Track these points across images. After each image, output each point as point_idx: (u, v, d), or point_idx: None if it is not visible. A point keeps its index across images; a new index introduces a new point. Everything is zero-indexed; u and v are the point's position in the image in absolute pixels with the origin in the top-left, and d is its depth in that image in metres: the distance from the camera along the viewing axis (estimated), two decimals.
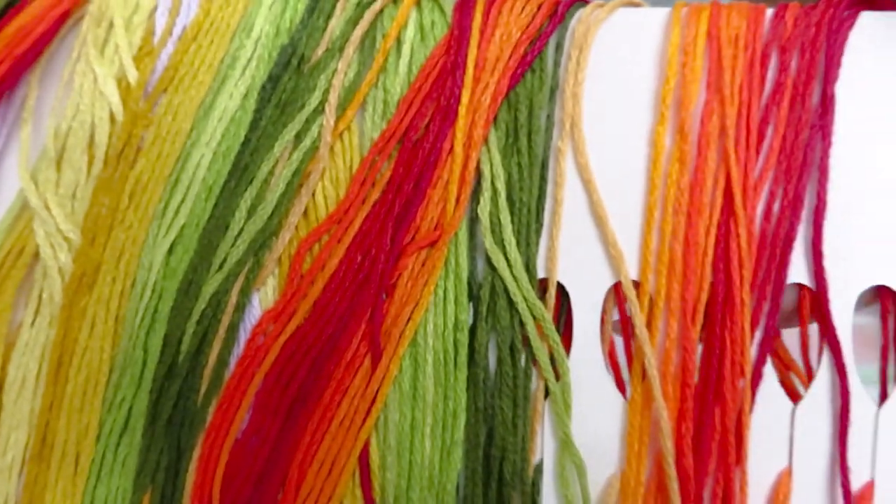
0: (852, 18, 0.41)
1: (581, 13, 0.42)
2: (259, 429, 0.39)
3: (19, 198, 0.41)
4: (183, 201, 0.40)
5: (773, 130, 0.40)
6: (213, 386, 0.39)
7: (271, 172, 0.41)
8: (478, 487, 0.39)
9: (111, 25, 0.41)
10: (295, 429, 0.39)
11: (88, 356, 0.39)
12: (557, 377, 0.39)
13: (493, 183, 0.41)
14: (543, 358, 0.39)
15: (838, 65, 0.40)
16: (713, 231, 0.39)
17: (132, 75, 0.40)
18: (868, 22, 0.41)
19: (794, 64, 0.40)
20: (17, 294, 0.40)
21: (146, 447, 0.39)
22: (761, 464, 0.39)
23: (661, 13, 0.41)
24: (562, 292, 0.41)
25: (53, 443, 0.39)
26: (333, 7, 0.42)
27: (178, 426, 0.39)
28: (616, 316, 0.42)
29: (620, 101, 0.41)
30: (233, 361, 0.40)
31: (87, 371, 0.39)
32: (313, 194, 0.41)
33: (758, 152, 0.40)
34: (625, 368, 0.41)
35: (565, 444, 0.39)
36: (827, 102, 0.40)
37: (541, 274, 0.41)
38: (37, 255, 0.40)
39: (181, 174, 0.40)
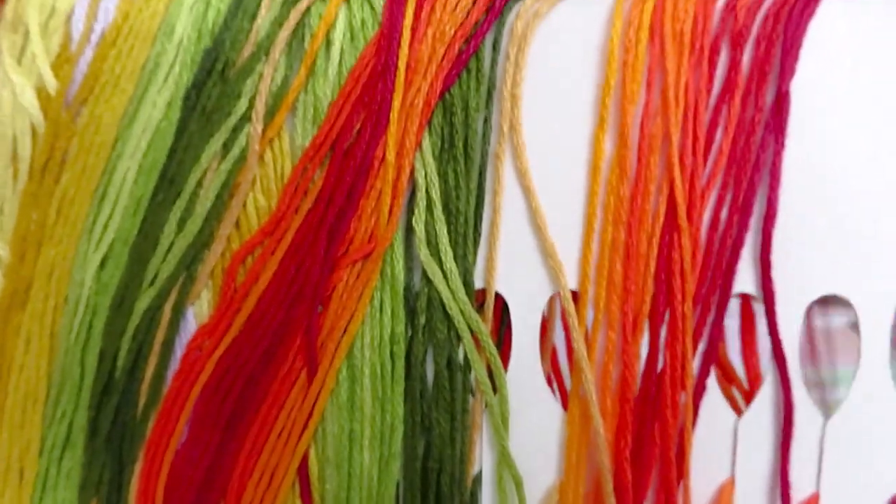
0: (813, 6, 0.38)
1: (519, 7, 0.39)
2: (198, 441, 0.39)
3: None
4: (111, 216, 0.39)
5: (722, 133, 0.38)
6: (152, 400, 0.39)
7: (199, 184, 0.39)
8: (416, 499, 0.39)
9: (27, 31, 0.39)
10: (234, 441, 0.39)
11: (26, 372, 0.39)
12: (495, 390, 0.39)
13: (427, 192, 0.39)
14: (481, 372, 0.39)
15: (795, 59, 0.38)
16: (655, 242, 0.38)
17: (51, 84, 0.38)
18: (830, 10, 0.38)
19: (746, 59, 0.38)
20: None
21: (88, 461, 0.39)
22: (705, 477, 0.39)
23: (605, 6, 0.38)
24: (503, 302, 0.40)
25: None
26: (258, 6, 0.39)
27: (119, 440, 0.39)
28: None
29: (562, 102, 0.39)
30: (169, 376, 0.40)
31: (25, 387, 0.39)
32: (244, 205, 0.39)
33: (706, 157, 0.38)
34: (568, 377, 0.40)
35: (503, 456, 0.39)
36: (781, 101, 0.38)
37: (479, 284, 0.39)
38: None
39: (108, 187, 0.39)
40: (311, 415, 0.39)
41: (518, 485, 0.38)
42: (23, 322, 0.39)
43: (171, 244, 0.39)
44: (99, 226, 0.39)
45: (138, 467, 0.39)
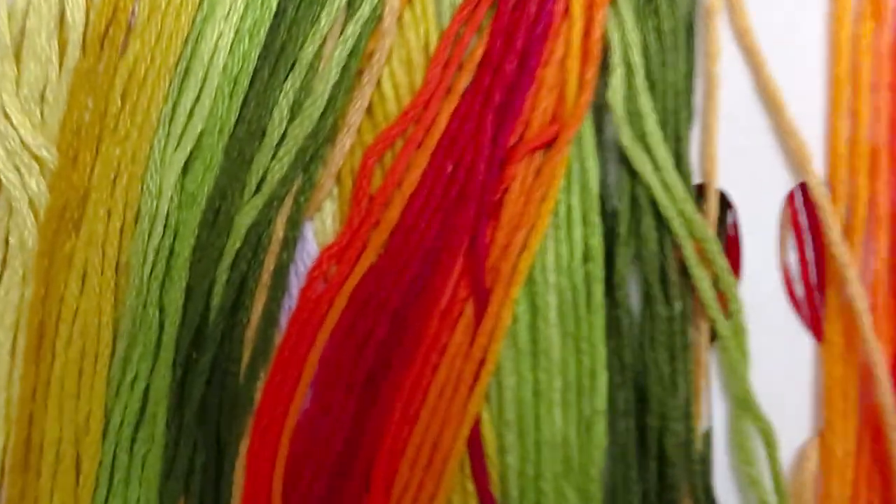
0: None
1: None
2: (327, 409, 0.28)
3: None
4: (198, 99, 0.29)
5: None
6: (260, 354, 0.29)
7: (318, 54, 0.29)
8: (632, 470, 0.28)
9: None
10: (377, 405, 0.29)
11: (81, 322, 0.28)
12: (726, 315, 0.29)
13: (625, 56, 0.29)
14: (707, 291, 0.29)
15: None
16: None
17: None
18: None
19: None
20: None
21: (173, 442, 0.28)
22: None
23: None
24: (721, 203, 0.30)
25: (42, 444, 0.28)
26: None
27: (216, 411, 0.28)
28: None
29: None
30: (284, 319, 0.29)
31: (81, 342, 0.28)
32: (378, 83, 0.29)
33: None
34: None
35: (744, 403, 0.29)
36: None
37: (694, 178, 0.30)
38: None
39: (192, 61, 0.29)
40: (481, 364, 0.28)
41: (770, 441, 0.28)
42: (76, 250, 0.28)
43: (283, 136, 0.29)
44: (181, 113, 0.29)
45: (244, 448, 0.28)
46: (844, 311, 0.29)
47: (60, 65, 0.29)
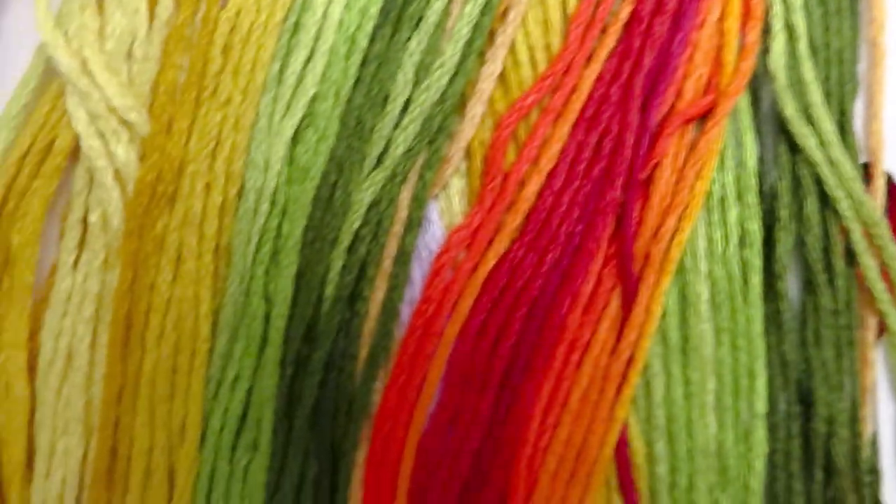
0: None
1: None
2: (457, 414, 0.25)
3: (38, 61, 0.25)
4: (310, 59, 0.25)
5: None
6: (380, 351, 0.25)
7: (446, 11, 0.26)
8: (796, 481, 0.25)
9: None
10: (513, 411, 0.25)
11: (176, 312, 0.24)
12: None
13: (788, 19, 0.26)
14: (877, 281, 0.26)
15: None
16: None
17: None
18: None
19: None
20: (47, 218, 0.25)
21: (281, 451, 0.24)
22: None
23: None
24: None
25: (130, 454, 0.24)
26: None
27: (330, 416, 0.24)
28: None
29: None
30: (407, 311, 0.25)
31: (175, 336, 0.24)
32: (512, 46, 0.26)
33: None
34: None
35: None
36: None
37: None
38: (75, 152, 0.25)
39: (303, 15, 0.25)
40: (629, 363, 0.25)
41: None
42: (169, 228, 0.24)
43: (407, 103, 0.25)
44: (291, 75, 0.25)
45: (362, 457, 0.25)
46: None
47: (151, 16, 0.25)
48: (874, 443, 0.27)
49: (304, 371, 0.25)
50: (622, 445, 0.26)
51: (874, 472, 0.27)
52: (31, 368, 0.25)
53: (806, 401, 0.26)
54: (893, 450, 0.27)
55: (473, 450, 0.25)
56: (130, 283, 0.24)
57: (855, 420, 0.26)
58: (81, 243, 0.25)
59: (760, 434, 0.26)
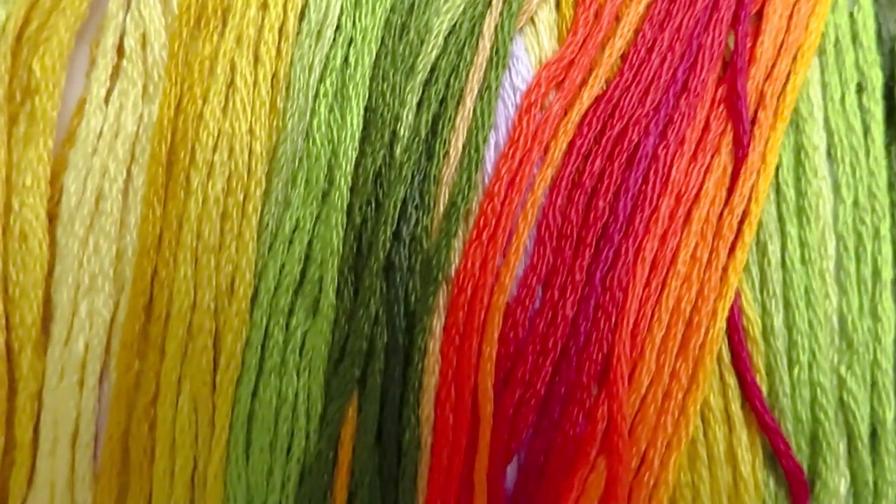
0: None
1: None
2: (551, 276, 0.22)
3: None
4: None
5: None
6: (460, 200, 0.21)
7: None
8: None
9: None
10: (614, 273, 0.22)
11: (226, 149, 0.21)
12: None
13: None
14: None
15: None
16: None
17: None
18: None
19: None
20: (76, 44, 0.21)
21: (346, 316, 0.21)
22: None
23: None
24: None
25: (168, 314, 0.20)
26: None
27: (404, 275, 0.21)
28: None
29: None
30: (491, 157, 0.22)
31: (224, 178, 0.21)
32: None
33: None
34: None
35: None
36: None
37: None
38: None
39: None
40: (743, 219, 0.22)
41: None
42: (220, 52, 0.21)
43: None
44: None
45: (439, 325, 0.21)
46: None
47: None
48: None
49: (374, 223, 0.21)
50: (736, 316, 0.22)
51: None
52: (52, 217, 0.21)
53: None
54: None
55: (569, 317, 0.22)
56: (174, 115, 0.20)
57: None
58: (115, 73, 0.21)
59: (889, 303, 0.22)
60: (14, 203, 0.21)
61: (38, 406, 0.20)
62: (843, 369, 0.22)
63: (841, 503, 0.22)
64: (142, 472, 0.20)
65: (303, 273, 0.21)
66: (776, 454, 0.22)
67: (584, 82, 0.22)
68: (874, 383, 0.22)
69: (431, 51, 0.21)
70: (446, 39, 0.22)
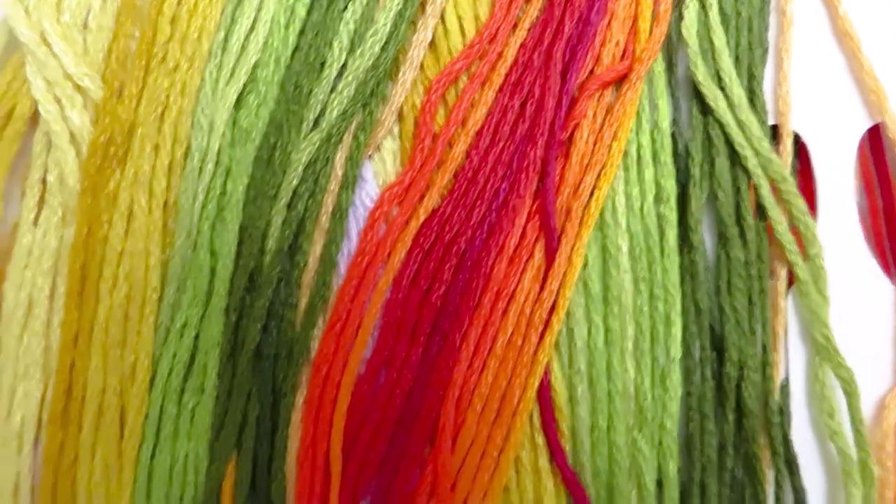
0: None
1: None
2: (390, 359, 0.26)
3: (0, 34, 0.26)
4: (252, 29, 0.26)
5: None
6: (318, 300, 0.26)
7: None
8: (709, 421, 0.26)
9: None
10: (443, 356, 0.26)
11: (127, 264, 0.26)
12: (805, 258, 0.27)
13: None
14: (785, 234, 0.27)
15: None
16: None
17: None
18: None
19: None
20: (9, 179, 0.26)
21: (225, 393, 0.26)
22: None
23: None
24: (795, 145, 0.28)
25: (84, 395, 0.25)
26: None
27: (272, 360, 0.25)
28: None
29: None
30: (343, 263, 0.26)
31: (127, 286, 0.26)
32: (442, 15, 0.27)
33: None
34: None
35: (825, 351, 0.27)
36: None
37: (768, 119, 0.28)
38: (34, 117, 0.26)
39: None
40: (552, 310, 0.26)
41: (850, 388, 0.26)
42: (121, 189, 0.25)
43: (343, 67, 0.26)
44: (234, 43, 0.26)
45: (300, 400, 0.26)
46: None
47: None
48: (785, 386, 0.28)
49: (248, 319, 0.26)
50: (545, 388, 0.27)
51: (783, 413, 0.28)
52: None
53: (719, 347, 0.28)
54: (803, 393, 0.28)
55: (405, 391, 0.26)
56: (86, 237, 0.26)
57: (766, 364, 0.28)
58: (41, 201, 0.26)
59: (676, 377, 0.27)
60: None
61: None
62: (635, 431, 0.27)
63: None
64: None
65: (191, 361, 0.26)
66: (576, 502, 0.27)
67: (421, 199, 0.27)
68: (661, 443, 0.27)
69: (293, 180, 0.26)
70: (305, 169, 0.26)
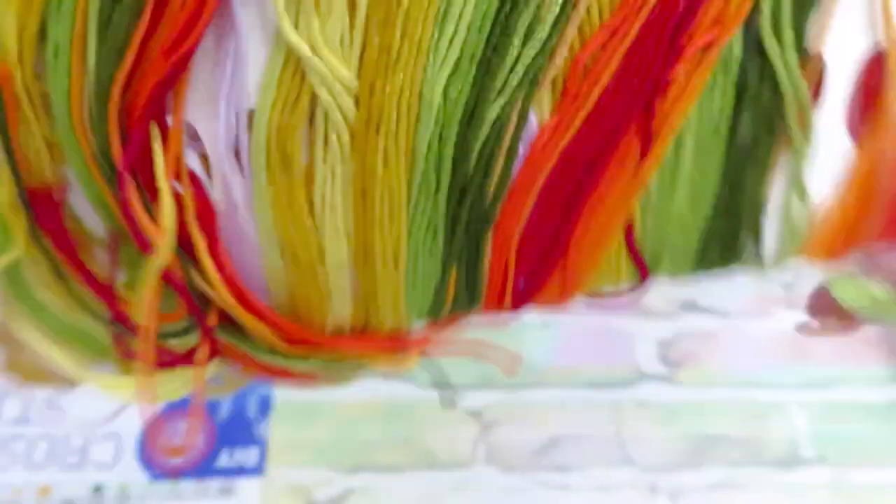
0: None
1: None
2: (542, 218, 0.44)
3: (279, 51, 0.37)
4: (455, 32, 0.37)
5: None
6: (500, 192, 0.42)
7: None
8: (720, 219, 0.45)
9: None
10: (574, 214, 0.43)
11: (388, 184, 0.41)
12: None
13: None
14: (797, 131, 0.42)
15: None
16: None
17: None
18: None
19: None
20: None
21: (448, 242, 0.44)
22: None
23: None
24: None
25: (373, 253, 0.43)
26: None
27: (476, 223, 0.43)
28: None
29: None
30: (515, 172, 0.42)
31: (388, 197, 0.41)
32: (588, 10, 0.37)
33: None
34: None
35: (795, 184, 0.44)
36: None
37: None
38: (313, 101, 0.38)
39: (450, 7, 0.36)
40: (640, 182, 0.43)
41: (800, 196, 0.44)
42: (379, 143, 0.39)
43: (518, 56, 0.37)
44: (444, 45, 0.37)
45: (489, 241, 0.44)
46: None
47: (353, 18, 0.35)
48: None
49: (461, 206, 0.42)
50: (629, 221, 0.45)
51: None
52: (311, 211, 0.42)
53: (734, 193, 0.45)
54: (777, 207, 0.46)
55: (548, 235, 0.44)
56: (361, 170, 0.40)
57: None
58: (325, 148, 0.40)
59: (705, 205, 0.45)
60: None
61: None
62: (675, 235, 0.46)
63: None
64: None
65: (427, 232, 0.43)
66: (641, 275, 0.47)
67: (566, 130, 0.40)
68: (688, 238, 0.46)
69: (484, 130, 0.39)
70: (493, 124, 0.39)
